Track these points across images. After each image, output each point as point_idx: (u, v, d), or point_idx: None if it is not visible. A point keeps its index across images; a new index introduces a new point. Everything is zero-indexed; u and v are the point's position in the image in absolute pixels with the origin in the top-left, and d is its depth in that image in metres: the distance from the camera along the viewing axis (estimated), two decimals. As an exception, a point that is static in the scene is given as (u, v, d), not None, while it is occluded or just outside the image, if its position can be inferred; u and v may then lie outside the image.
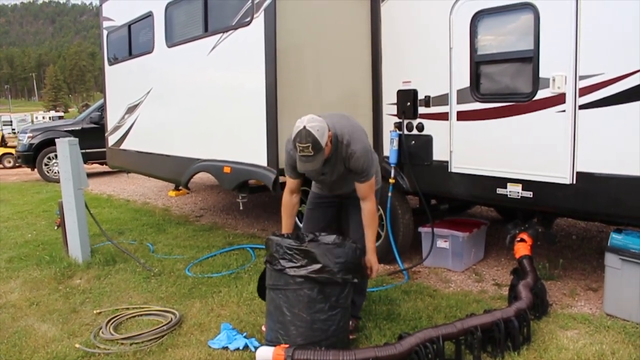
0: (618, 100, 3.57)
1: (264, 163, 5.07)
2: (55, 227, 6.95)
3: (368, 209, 3.44)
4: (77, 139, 5.46)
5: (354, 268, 3.26)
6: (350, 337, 3.54)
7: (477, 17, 4.34)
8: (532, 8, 3.97)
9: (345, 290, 3.26)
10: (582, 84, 3.74)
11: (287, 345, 3.06)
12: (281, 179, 4.99)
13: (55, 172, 12.57)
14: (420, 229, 5.17)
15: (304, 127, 3.14)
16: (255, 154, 5.15)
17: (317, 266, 3.12)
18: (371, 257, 3.48)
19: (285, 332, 3.21)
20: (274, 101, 4.84)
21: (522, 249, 4.31)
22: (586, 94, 3.73)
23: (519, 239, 4.42)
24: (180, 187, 9.35)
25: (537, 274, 4.09)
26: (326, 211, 3.83)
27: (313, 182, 3.83)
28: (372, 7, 5.26)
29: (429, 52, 4.79)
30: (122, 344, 3.61)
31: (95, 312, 4.22)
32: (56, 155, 10.81)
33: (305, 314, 3.17)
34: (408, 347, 3.01)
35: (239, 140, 5.53)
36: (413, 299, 4.27)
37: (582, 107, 3.77)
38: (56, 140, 5.62)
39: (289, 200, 3.64)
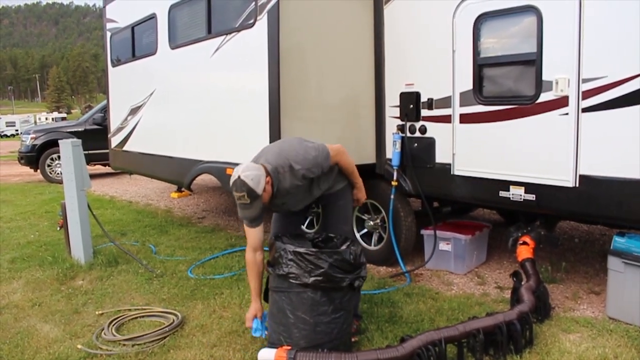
0: (621, 103, 3.57)
1: (267, 165, 5.06)
2: (58, 228, 6.95)
3: (342, 159, 3.57)
4: (79, 140, 5.47)
5: (356, 271, 3.26)
6: (353, 339, 3.54)
7: (480, 20, 4.34)
8: (535, 11, 3.97)
9: (349, 294, 3.26)
10: (585, 87, 3.74)
11: (289, 347, 3.06)
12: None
13: (58, 173, 12.59)
14: (423, 232, 5.17)
15: (239, 177, 3.13)
16: (258, 155, 5.15)
17: (321, 272, 3.11)
18: (359, 189, 3.75)
19: (288, 334, 3.21)
20: (277, 103, 4.84)
21: (524, 251, 4.30)
22: (589, 97, 3.72)
23: (521, 241, 4.41)
24: (183, 189, 9.36)
25: (539, 277, 4.09)
26: (297, 215, 3.84)
27: None
28: (375, 9, 5.26)
29: (431, 54, 4.79)
30: (124, 345, 3.62)
31: (97, 313, 4.22)
32: (59, 156, 10.84)
33: (309, 316, 3.16)
34: (410, 350, 3.01)
35: (242, 141, 5.53)
36: (415, 301, 4.26)
37: (585, 110, 3.76)
38: (59, 141, 5.62)
39: (252, 259, 3.43)
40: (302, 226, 3.95)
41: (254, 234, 3.42)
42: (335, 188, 3.66)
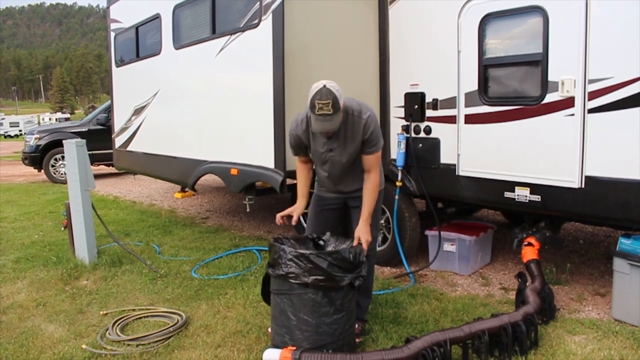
0: (628, 104, 3.55)
1: (272, 165, 5.07)
2: (62, 228, 6.97)
3: (372, 178, 3.47)
4: (84, 140, 5.47)
5: (356, 270, 3.25)
6: (357, 340, 3.53)
7: (486, 20, 4.33)
8: (541, 11, 3.96)
9: (349, 293, 3.26)
10: (592, 87, 3.73)
11: (294, 348, 3.06)
12: (288, 181, 5.00)
13: (62, 174, 12.62)
14: (427, 232, 5.16)
15: (324, 85, 3.16)
16: (262, 156, 5.15)
17: (320, 273, 3.11)
18: (363, 227, 3.42)
19: (291, 336, 3.20)
20: (282, 103, 4.84)
21: (529, 253, 4.29)
22: (595, 98, 3.71)
23: (526, 243, 4.40)
24: (187, 189, 9.37)
25: (544, 278, 4.07)
26: (331, 214, 3.80)
27: (316, 183, 3.82)
28: (380, 9, 5.25)
29: (437, 54, 4.78)
30: (128, 345, 3.61)
31: (101, 313, 4.22)
32: (63, 157, 10.87)
33: (311, 318, 3.16)
34: (415, 351, 3.00)
35: (246, 142, 5.53)
36: (420, 302, 4.25)
37: (591, 110, 3.75)
38: (64, 141, 5.63)
39: (302, 165, 3.70)
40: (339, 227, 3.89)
41: (302, 157, 3.66)
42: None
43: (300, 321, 3.18)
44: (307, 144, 3.55)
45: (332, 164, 3.53)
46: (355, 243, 3.38)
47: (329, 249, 3.52)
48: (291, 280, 3.14)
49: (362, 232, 3.40)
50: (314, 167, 3.75)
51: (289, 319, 3.20)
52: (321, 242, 3.61)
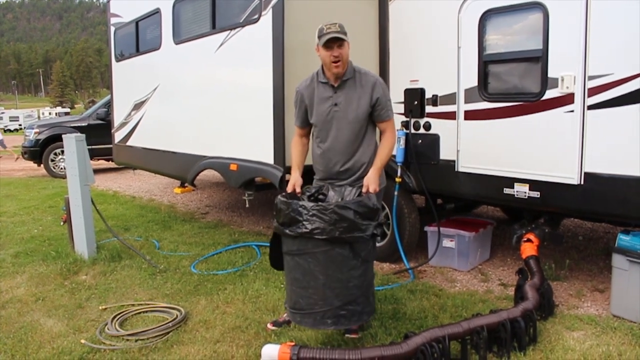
0: (627, 101, 3.55)
1: (271, 161, 5.07)
2: (61, 223, 6.96)
3: (389, 136, 3.51)
4: (83, 135, 5.47)
5: (375, 217, 3.15)
6: (354, 336, 3.53)
7: (486, 16, 4.33)
8: (541, 7, 3.95)
9: (371, 243, 3.21)
10: (591, 84, 3.72)
11: (292, 343, 3.06)
12: (287, 177, 4.99)
13: (61, 168, 12.62)
14: (426, 228, 5.16)
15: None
16: (262, 151, 5.15)
17: (347, 224, 2.98)
18: (373, 175, 3.38)
19: (320, 296, 3.09)
20: (281, 98, 4.84)
21: (528, 249, 4.29)
22: (595, 94, 3.71)
23: (525, 239, 4.40)
24: (186, 184, 9.37)
25: (543, 274, 4.07)
26: None
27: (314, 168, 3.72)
28: (380, 5, 5.24)
29: (436, 51, 4.77)
30: (127, 340, 3.62)
31: (100, 308, 4.22)
32: (62, 151, 10.86)
33: (341, 274, 3.06)
34: (414, 347, 3.00)
35: (246, 137, 5.53)
36: (419, 298, 4.26)
37: (590, 107, 3.75)
38: (63, 136, 5.62)
39: (299, 140, 3.71)
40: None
41: (302, 129, 3.67)
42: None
43: (330, 279, 3.06)
44: (307, 104, 3.55)
45: (336, 123, 3.46)
46: (364, 190, 3.33)
47: (333, 201, 3.42)
48: (317, 237, 3.00)
49: (370, 180, 3.36)
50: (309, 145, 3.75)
51: (317, 278, 3.07)
52: (321, 197, 3.49)
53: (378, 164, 3.44)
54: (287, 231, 3.11)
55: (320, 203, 3.16)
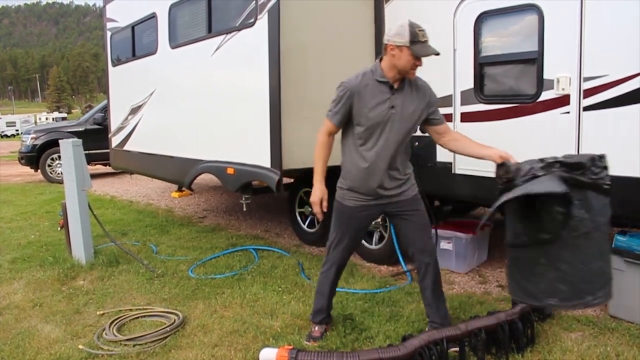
0: (622, 102, 3.55)
1: (268, 164, 5.06)
2: (59, 228, 6.97)
3: (454, 131, 3.53)
4: (80, 140, 5.46)
5: None
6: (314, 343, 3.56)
7: (481, 18, 4.33)
8: (537, 9, 3.96)
9: None
10: (587, 85, 3.73)
11: (290, 347, 3.06)
12: (284, 180, 5.00)
13: (58, 173, 12.60)
14: (424, 231, 5.15)
15: (409, 20, 3.23)
16: (258, 155, 5.15)
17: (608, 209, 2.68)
18: (497, 150, 3.20)
19: (574, 288, 2.70)
20: (278, 102, 4.84)
21: (526, 250, 4.29)
22: (590, 96, 3.72)
23: (522, 240, 4.39)
24: (184, 188, 9.37)
25: (541, 275, 4.07)
26: (364, 221, 3.53)
27: (339, 192, 3.47)
28: (376, 7, 5.25)
29: (432, 53, 4.77)
30: (125, 345, 3.61)
31: (98, 313, 4.22)
32: (59, 156, 10.85)
33: (601, 260, 2.73)
34: (412, 349, 3.00)
35: (243, 141, 5.53)
36: (416, 300, 4.25)
37: (586, 108, 3.75)
38: (60, 141, 5.62)
39: (326, 140, 3.35)
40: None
41: (334, 127, 3.35)
42: (409, 190, 3.47)
43: (593, 265, 2.68)
44: (355, 103, 3.25)
45: (391, 126, 3.25)
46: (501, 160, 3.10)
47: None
48: (600, 218, 2.69)
49: (501, 152, 3.15)
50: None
51: (576, 267, 2.66)
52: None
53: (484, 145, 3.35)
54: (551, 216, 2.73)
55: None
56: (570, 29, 3.77)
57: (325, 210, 3.39)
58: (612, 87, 3.60)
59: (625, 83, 3.53)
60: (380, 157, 3.29)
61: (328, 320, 3.74)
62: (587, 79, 3.73)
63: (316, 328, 3.66)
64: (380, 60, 3.30)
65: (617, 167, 3.62)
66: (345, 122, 3.34)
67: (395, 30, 3.21)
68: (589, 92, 3.72)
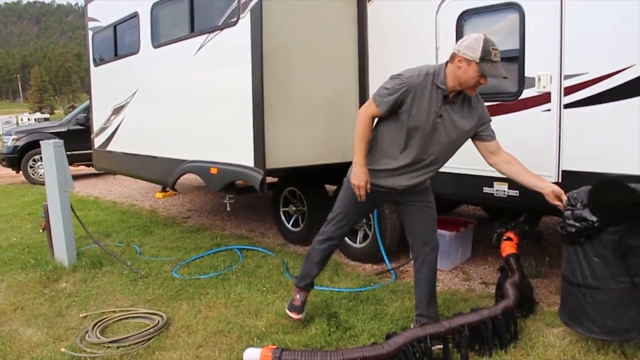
0: (602, 99, 3.59)
1: (251, 164, 5.05)
2: (41, 230, 6.88)
3: (506, 152, 3.41)
4: (61, 141, 5.41)
5: None
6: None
7: (463, 17, 4.36)
8: (518, 8, 3.99)
9: None
10: (567, 83, 3.77)
11: (274, 346, 3.06)
12: (268, 179, 4.99)
13: (40, 175, 12.44)
14: (408, 229, 5.17)
15: (485, 35, 3.08)
16: (242, 154, 5.13)
17: None
18: (549, 184, 3.33)
19: None
20: (261, 101, 4.82)
21: (508, 247, 4.32)
22: (571, 93, 3.75)
23: (505, 237, 4.43)
24: (167, 189, 9.31)
25: (523, 272, 4.11)
26: (375, 202, 3.55)
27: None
28: (359, 7, 5.25)
29: (415, 52, 4.78)
30: (108, 347, 3.58)
31: (81, 315, 4.18)
32: (41, 158, 10.74)
33: None
34: (395, 347, 3.02)
35: (226, 141, 5.51)
36: (401, 298, 4.27)
37: (567, 106, 3.79)
38: (41, 142, 5.56)
39: (369, 123, 3.31)
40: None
41: (380, 113, 3.27)
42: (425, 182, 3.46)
43: None
44: (410, 101, 3.15)
45: (432, 134, 3.21)
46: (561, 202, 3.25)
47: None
48: None
49: (554, 187, 3.28)
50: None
51: None
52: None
53: (535, 175, 3.38)
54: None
55: None
56: (550, 27, 3.80)
57: (369, 192, 3.32)
58: (592, 84, 3.64)
59: (604, 81, 3.57)
60: (413, 162, 3.29)
61: (310, 289, 3.82)
62: (567, 77, 3.76)
63: (297, 296, 3.74)
64: (446, 65, 3.20)
65: (598, 164, 3.68)
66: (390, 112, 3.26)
67: (468, 42, 3.09)
68: (569, 90, 3.76)
